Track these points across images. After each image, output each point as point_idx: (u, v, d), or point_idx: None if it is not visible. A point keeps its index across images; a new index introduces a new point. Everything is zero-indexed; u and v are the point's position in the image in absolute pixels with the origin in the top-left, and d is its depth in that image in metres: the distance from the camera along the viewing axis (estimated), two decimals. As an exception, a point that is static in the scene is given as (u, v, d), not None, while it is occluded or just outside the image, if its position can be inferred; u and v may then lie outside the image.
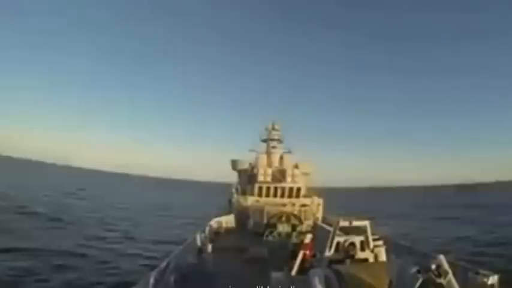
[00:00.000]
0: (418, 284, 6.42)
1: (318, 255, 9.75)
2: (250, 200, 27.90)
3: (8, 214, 40.35)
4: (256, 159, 32.06)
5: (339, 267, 8.00)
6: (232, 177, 34.76)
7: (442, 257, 8.15)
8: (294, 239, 17.89)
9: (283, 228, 22.09)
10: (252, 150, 33.93)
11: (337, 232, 9.22)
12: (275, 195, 28.72)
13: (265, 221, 24.22)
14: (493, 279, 9.99)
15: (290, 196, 28.69)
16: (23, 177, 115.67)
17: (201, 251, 15.62)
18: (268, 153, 32.91)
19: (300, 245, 11.62)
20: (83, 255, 26.48)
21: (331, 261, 8.63)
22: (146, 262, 26.14)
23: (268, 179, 29.03)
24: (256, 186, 28.76)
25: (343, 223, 9.38)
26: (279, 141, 33.99)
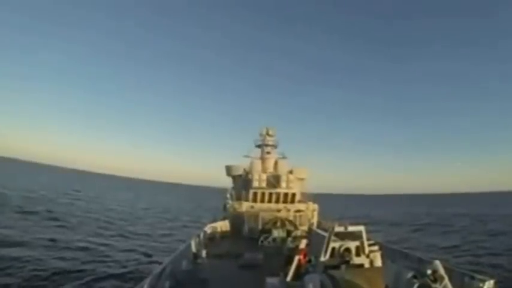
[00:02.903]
0: (414, 290, 6.40)
1: (313, 260, 9.70)
2: (245, 206, 27.77)
3: (8, 213, 41.48)
4: (251, 164, 31.91)
5: (335, 272, 7.96)
6: (229, 182, 34.68)
7: (437, 262, 8.15)
8: (289, 244, 17.83)
9: (278, 233, 22.05)
10: (246, 156, 33.84)
11: (333, 237, 9.19)
12: (270, 201, 28.59)
13: (260, 226, 24.18)
14: (489, 283, 9.99)
15: (285, 202, 28.57)
16: (20, 178, 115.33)
17: (196, 256, 15.47)
18: (263, 159, 32.77)
19: (295, 250, 11.57)
20: (81, 249, 27.90)
21: (327, 267, 8.59)
22: (138, 257, 28.08)
23: (263, 184, 28.90)
24: (251, 191, 28.64)
25: (339, 228, 9.34)
26: (274, 146, 33.91)
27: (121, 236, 37.08)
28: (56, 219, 42.17)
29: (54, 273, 21.03)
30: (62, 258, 24.64)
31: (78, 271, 22.13)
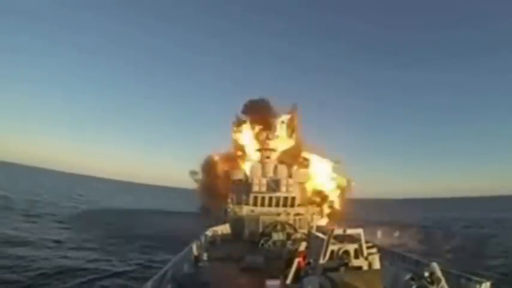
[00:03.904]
0: (411, 291, 6.57)
1: (313, 263, 9.86)
2: (246, 210, 27.97)
3: (14, 216, 42.92)
4: (251, 169, 32.12)
5: (333, 275, 8.13)
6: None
7: (435, 264, 8.33)
8: (289, 247, 17.96)
9: (278, 236, 22.20)
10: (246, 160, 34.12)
11: (331, 240, 9.34)
12: (270, 205, 28.79)
13: (260, 229, 24.34)
14: (486, 285, 10.16)
15: (285, 205, 28.78)
16: (22, 182, 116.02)
17: (197, 259, 15.61)
18: (263, 163, 32.98)
19: (294, 253, 11.72)
20: (85, 250, 28.88)
21: (326, 269, 8.74)
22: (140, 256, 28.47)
23: (263, 188, 29.12)
24: (252, 196, 28.85)
25: (337, 231, 9.51)
26: (273, 150, 34.13)
27: (123, 237, 37.40)
28: (60, 221, 43.26)
29: (59, 272, 21.72)
30: (67, 258, 25.58)
31: (82, 269, 22.81)
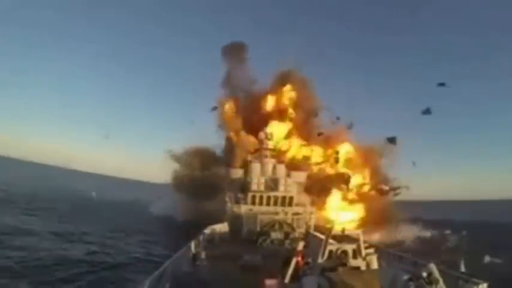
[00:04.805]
0: (409, 292, 6.56)
1: (311, 263, 9.87)
2: (244, 209, 28.01)
3: (16, 209, 44.15)
4: (250, 168, 32.18)
5: (332, 274, 8.13)
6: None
7: (432, 265, 8.33)
8: (287, 247, 18.01)
9: (276, 235, 22.33)
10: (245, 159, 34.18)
11: (330, 240, 9.35)
12: (268, 204, 28.85)
13: (258, 228, 24.45)
14: (483, 286, 10.18)
15: (283, 205, 28.86)
16: (22, 177, 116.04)
17: (195, 258, 15.60)
18: (262, 163, 33.03)
19: (292, 252, 11.75)
20: (85, 243, 29.57)
21: (324, 269, 8.74)
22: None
23: (262, 187, 29.21)
24: (250, 195, 28.90)
25: (336, 231, 9.52)
26: (273, 150, 34.17)
27: (122, 232, 37.86)
28: (61, 215, 43.88)
29: (56, 263, 22.11)
30: (65, 249, 26.12)
31: (81, 261, 23.18)
